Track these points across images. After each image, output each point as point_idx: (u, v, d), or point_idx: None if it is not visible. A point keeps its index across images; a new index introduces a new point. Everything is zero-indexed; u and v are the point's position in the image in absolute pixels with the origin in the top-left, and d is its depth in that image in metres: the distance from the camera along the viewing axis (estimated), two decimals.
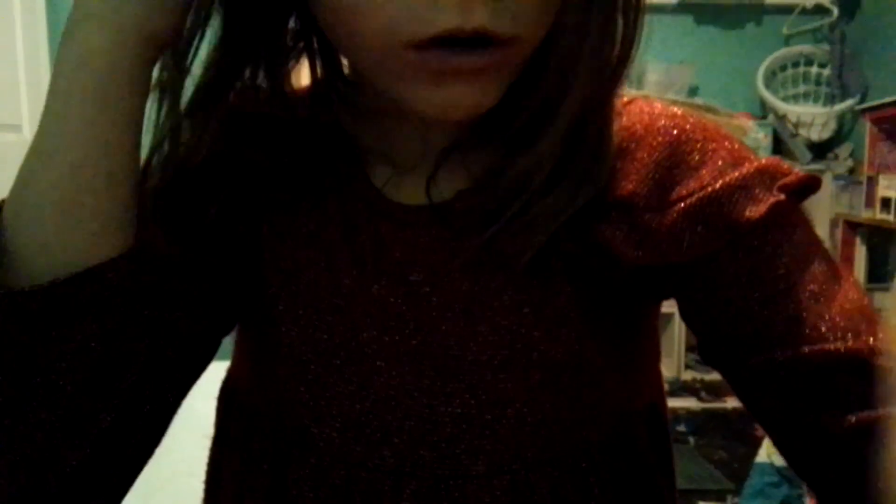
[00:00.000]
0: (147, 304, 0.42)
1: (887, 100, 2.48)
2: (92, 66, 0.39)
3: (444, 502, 0.47)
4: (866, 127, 2.61)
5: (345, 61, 0.48)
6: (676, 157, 0.46)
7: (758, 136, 2.75)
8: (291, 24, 0.47)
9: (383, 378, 0.47)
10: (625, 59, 0.43)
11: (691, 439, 2.71)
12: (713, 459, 2.56)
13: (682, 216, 0.44)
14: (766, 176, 0.44)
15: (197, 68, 0.45)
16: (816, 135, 2.80)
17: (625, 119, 0.48)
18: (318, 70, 0.49)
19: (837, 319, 0.41)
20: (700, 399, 2.80)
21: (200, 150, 0.46)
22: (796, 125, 2.80)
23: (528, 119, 0.44)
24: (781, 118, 2.81)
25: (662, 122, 0.47)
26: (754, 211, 0.42)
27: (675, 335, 2.71)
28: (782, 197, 0.43)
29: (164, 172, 0.46)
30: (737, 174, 0.44)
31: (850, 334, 0.40)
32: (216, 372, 0.55)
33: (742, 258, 0.43)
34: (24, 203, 0.39)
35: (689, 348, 2.74)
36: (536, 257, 0.45)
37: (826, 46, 2.86)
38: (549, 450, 0.48)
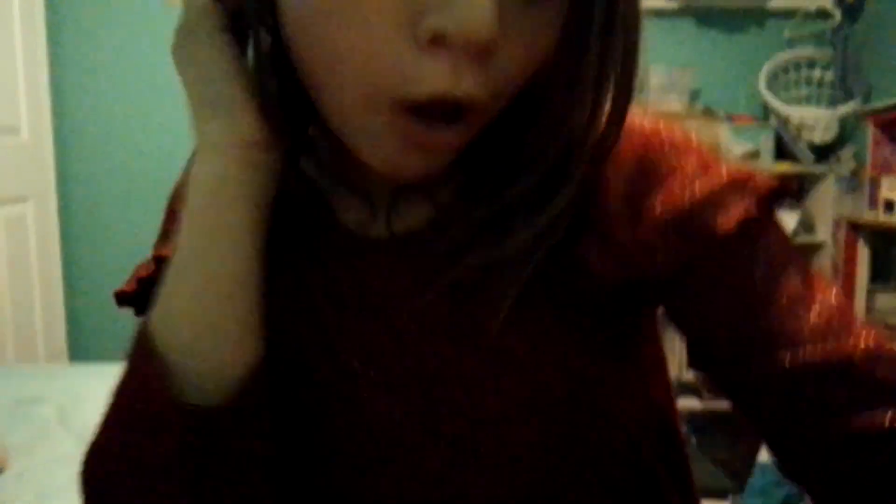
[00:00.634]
0: None
1: (890, 102, 2.48)
2: (221, 186, 0.42)
3: None
4: (869, 129, 2.61)
5: None
6: (645, 171, 0.46)
7: (760, 139, 2.75)
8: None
9: (372, 408, 0.48)
10: (617, 120, 0.43)
11: (693, 439, 2.71)
12: (715, 459, 2.56)
13: (654, 231, 0.44)
14: (736, 186, 0.44)
15: None
16: (819, 137, 2.80)
17: None
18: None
19: (815, 326, 0.41)
20: (701, 398, 2.80)
21: None
22: (799, 128, 2.80)
23: (509, 158, 0.45)
24: (784, 121, 2.81)
25: (630, 137, 0.47)
26: (726, 222, 0.42)
27: (676, 335, 2.70)
28: (753, 207, 0.43)
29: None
30: (707, 186, 0.44)
31: (829, 340, 0.40)
32: None
33: (716, 270, 0.43)
34: (172, 314, 0.43)
35: None
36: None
37: (828, 49, 2.86)
38: (548, 467, 0.47)
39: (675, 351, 2.72)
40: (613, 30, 0.41)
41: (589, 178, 0.45)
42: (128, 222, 2.82)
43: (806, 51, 2.89)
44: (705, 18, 2.95)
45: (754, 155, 2.72)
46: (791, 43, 2.93)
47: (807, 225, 2.92)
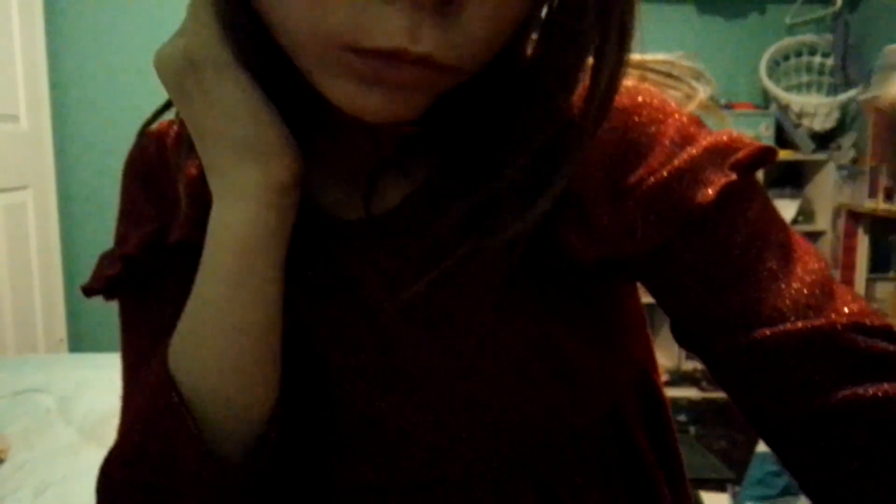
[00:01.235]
0: None
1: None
2: (253, 234, 0.41)
3: None
4: (869, 117, 2.60)
5: None
6: (625, 143, 0.44)
7: (760, 127, 2.75)
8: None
9: (352, 400, 0.47)
10: (608, 94, 0.41)
11: (692, 429, 2.72)
12: (714, 449, 2.57)
13: (633, 207, 0.42)
14: (716, 154, 0.42)
15: None
16: (819, 125, 2.79)
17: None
18: None
19: (797, 297, 0.40)
20: (700, 389, 2.81)
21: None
22: (799, 115, 2.80)
23: (489, 134, 0.44)
24: (784, 108, 2.81)
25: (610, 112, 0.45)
26: (706, 194, 0.41)
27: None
28: (734, 176, 0.41)
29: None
30: (686, 156, 0.42)
31: (810, 312, 0.39)
32: None
33: (697, 242, 0.42)
34: (199, 365, 0.42)
35: None
36: (492, 258, 0.44)
37: (829, 36, 2.85)
38: (531, 446, 0.47)
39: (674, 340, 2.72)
40: (609, 8, 0.39)
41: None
42: None
43: (806, 38, 2.88)
44: (706, 5, 2.94)
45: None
46: (791, 30, 2.92)
47: (806, 213, 2.92)
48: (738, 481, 2.25)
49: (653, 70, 0.49)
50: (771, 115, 2.82)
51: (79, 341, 2.82)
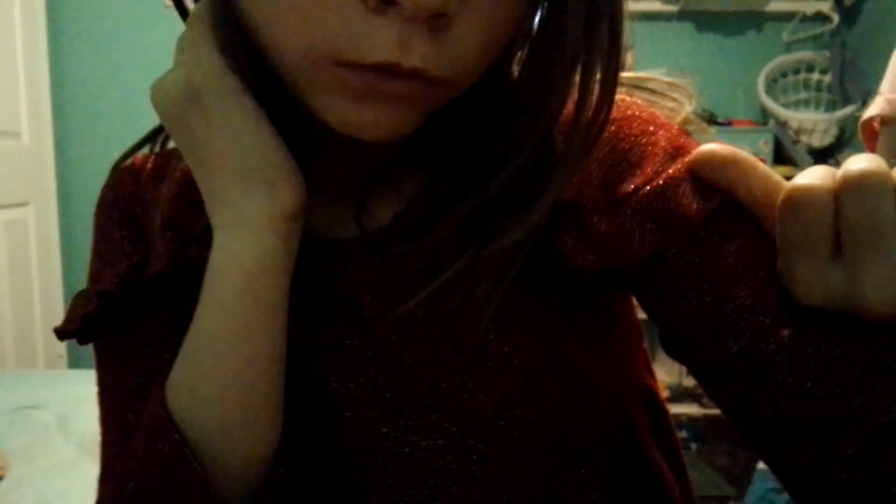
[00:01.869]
0: None
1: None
2: (260, 266, 0.41)
3: None
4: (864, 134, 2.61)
5: None
6: (618, 154, 0.45)
7: (759, 143, 2.75)
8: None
9: (355, 427, 0.46)
10: (601, 114, 0.42)
11: (693, 445, 2.71)
12: (716, 465, 2.56)
13: (630, 216, 0.43)
14: None
15: None
16: (818, 141, 2.80)
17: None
18: None
19: (789, 305, 0.40)
20: (702, 405, 2.80)
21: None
22: (797, 132, 2.81)
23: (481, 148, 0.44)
24: (783, 125, 2.82)
25: None
26: (700, 203, 0.41)
27: None
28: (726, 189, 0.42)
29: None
30: (679, 166, 0.43)
31: (802, 320, 0.39)
32: None
33: (691, 251, 0.42)
34: (201, 403, 0.41)
35: None
36: None
37: (827, 53, 2.86)
38: (544, 462, 0.47)
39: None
40: (596, 15, 0.40)
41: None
42: None
43: (804, 55, 2.89)
44: (704, 23, 2.95)
45: None
46: (789, 47, 2.93)
47: None
48: (739, 498, 2.24)
49: (638, 87, 0.50)
50: (770, 131, 2.82)
51: (78, 357, 2.81)
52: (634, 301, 0.52)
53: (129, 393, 0.47)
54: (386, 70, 0.35)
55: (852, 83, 2.78)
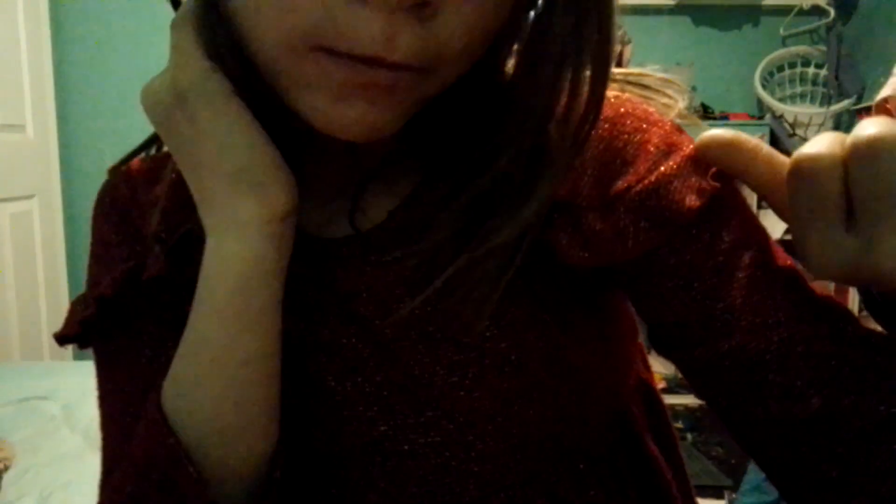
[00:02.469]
0: None
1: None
2: (254, 268, 0.40)
3: None
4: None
5: None
6: (611, 151, 0.44)
7: (755, 137, 2.76)
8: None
9: (353, 426, 0.45)
10: (591, 112, 0.42)
11: (689, 436, 2.71)
12: (711, 456, 2.57)
13: (623, 214, 0.42)
14: (699, 163, 0.42)
15: None
16: (814, 135, 2.77)
17: None
18: None
19: (779, 304, 0.40)
20: (698, 396, 2.81)
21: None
22: (793, 125, 2.82)
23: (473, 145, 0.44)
24: (779, 118, 2.83)
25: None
26: (692, 200, 0.41)
27: None
28: (717, 185, 0.42)
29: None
30: (672, 163, 0.42)
31: (792, 319, 0.39)
32: None
33: (682, 250, 0.42)
34: (197, 407, 0.41)
35: None
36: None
37: (823, 47, 2.87)
38: (542, 458, 0.47)
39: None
40: (585, 13, 0.39)
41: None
42: None
43: (800, 49, 2.90)
44: (701, 16, 2.95)
45: None
46: (786, 41, 2.94)
47: None
48: (735, 488, 2.24)
49: (631, 83, 0.50)
50: (766, 125, 2.83)
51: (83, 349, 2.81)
52: None
53: (128, 396, 0.47)
54: (369, 62, 0.34)
55: (848, 77, 2.78)
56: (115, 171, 0.53)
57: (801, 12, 2.85)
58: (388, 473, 0.46)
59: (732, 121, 2.83)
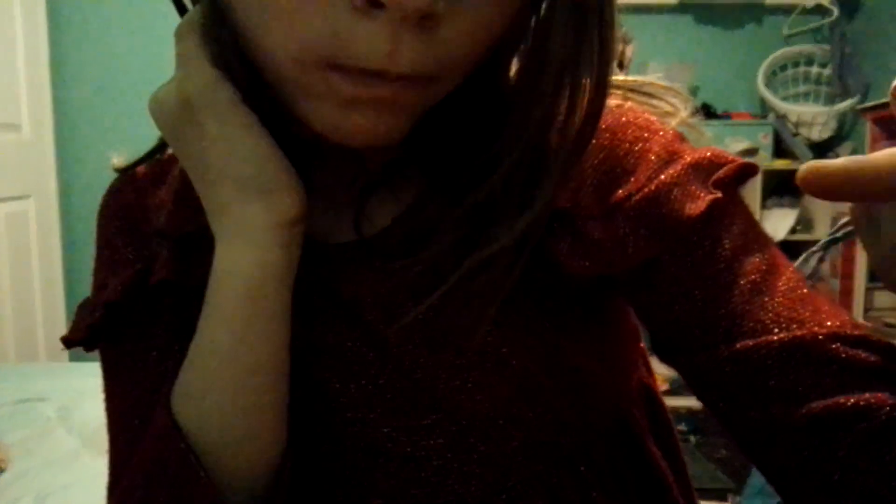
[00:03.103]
0: None
1: (888, 98, 2.48)
2: (263, 274, 0.40)
3: None
4: (867, 126, 2.62)
5: None
6: (613, 160, 0.45)
7: (758, 136, 2.76)
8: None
9: (357, 428, 0.46)
10: (591, 120, 0.41)
11: (692, 438, 2.72)
12: (714, 458, 2.57)
13: (623, 222, 0.43)
14: (700, 171, 0.43)
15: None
16: (817, 134, 2.81)
17: None
18: None
19: (780, 309, 0.40)
20: (698, 399, 2.80)
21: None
22: (797, 125, 2.81)
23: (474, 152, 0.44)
24: (782, 118, 2.82)
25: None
26: (693, 208, 0.41)
27: None
28: (719, 193, 0.42)
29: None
30: (672, 171, 0.43)
31: (793, 324, 0.40)
32: None
33: (683, 257, 0.42)
34: (206, 412, 0.41)
35: None
36: None
37: (826, 46, 2.87)
38: (544, 460, 0.47)
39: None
40: (585, 22, 0.39)
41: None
42: None
43: (804, 48, 2.90)
44: (704, 16, 2.95)
45: (752, 152, 2.73)
46: (789, 40, 2.93)
47: (805, 222, 2.93)
48: (738, 491, 2.25)
49: (634, 90, 0.50)
50: (769, 124, 2.83)
51: (79, 350, 2.81)
52: None
53: (135, 401, 0.47)
54: (375, 75, 0.35)
55: (852, 76, 2.78)
56: (120, 175, 0.54)
57: (805, 11, 2.85)
58: (391, 475, 0.46)
59: (735, 120, 2.82)
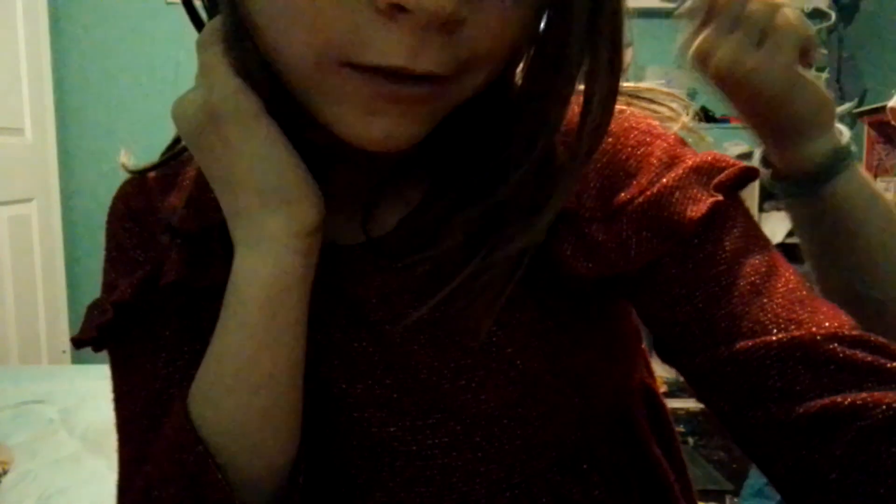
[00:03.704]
0: None
1: (884, 103, 2.49)
2: (282, 282, 0.41)
3: None
4: (864, 130, 2.62)
5: None
6: (615, 164, 0.46)
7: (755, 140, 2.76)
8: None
9: (363, 427, 0.47)
10: (603, 116, 0.42)
11: (690, 440, 2.71)
12: (712, 460, 2.57)
13: (626, 225, 0.43)
14: (701, 174, 0.44)
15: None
16: None
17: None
18: None
19: (779, 310, 0.41)
20: (699, 400, 2.80)
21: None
22: None
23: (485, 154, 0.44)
24: None
25: None
26: (694, 210, 0.42)
27: None
28: (720, 196, 0.43)
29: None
30: (674, 175, 0.44)
31: (791, 325, 0.40)
32: None
33: (684, 259, 0.43)
34: (224, 417, 0.42)
35: None
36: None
37: (824, 50, 2.86)
38: (547, 458, 0.48)
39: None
40: (599, 25, 0.40)
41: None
42: None
43: None
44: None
45: (750, 155, 2.73)
46: None
47: None
48: (736, 492, 2.24)
49: (635, 96, 0.51)
50: None
51: (82, 352, 2.80)
52: None
53: (145, 401, 0.48)
54: (397, 74, 0.35)
55: (849, 80, 2.79)
56: (129, 178, 0.54)
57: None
58: (397, 473, 0.47)
59: (734, 123, 2.83)
